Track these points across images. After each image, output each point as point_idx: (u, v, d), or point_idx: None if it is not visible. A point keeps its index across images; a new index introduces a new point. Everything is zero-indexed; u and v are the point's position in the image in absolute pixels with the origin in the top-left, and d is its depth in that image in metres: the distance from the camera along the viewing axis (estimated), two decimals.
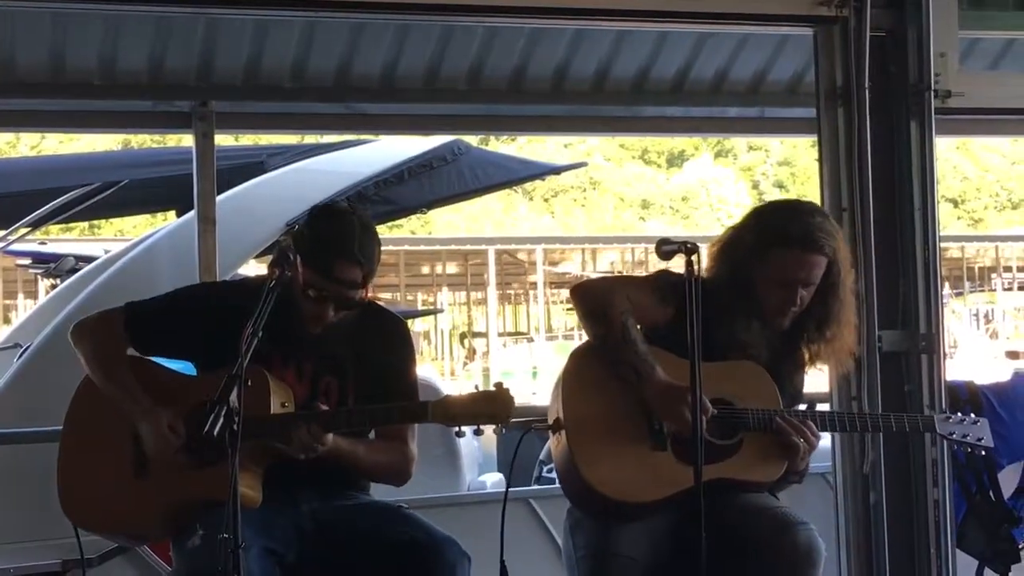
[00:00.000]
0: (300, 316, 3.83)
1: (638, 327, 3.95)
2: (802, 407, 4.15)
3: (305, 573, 3.75)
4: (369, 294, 3.92)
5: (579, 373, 4.03)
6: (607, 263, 32.50)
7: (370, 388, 3.90)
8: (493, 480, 7.76)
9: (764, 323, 4.07)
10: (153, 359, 4.02)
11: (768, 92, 6.39)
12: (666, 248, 3.63)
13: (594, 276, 15.26)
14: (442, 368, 33.04)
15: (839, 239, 4.10)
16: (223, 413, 3.10)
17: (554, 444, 4.05)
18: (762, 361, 4.07)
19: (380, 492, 4.11)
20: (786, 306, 4.04)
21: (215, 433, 3.09)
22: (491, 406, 3.60)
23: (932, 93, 5.12)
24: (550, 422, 3.97)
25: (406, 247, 30.08)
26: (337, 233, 3.78)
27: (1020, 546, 5.31)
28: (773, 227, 4.05)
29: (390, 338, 4.06)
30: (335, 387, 3.91)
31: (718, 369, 3.88)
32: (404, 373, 4.03)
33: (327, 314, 3.81)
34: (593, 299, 4.05)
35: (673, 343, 3.86)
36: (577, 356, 4.10)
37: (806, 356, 4.20)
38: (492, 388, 3.64)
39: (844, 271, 4.11)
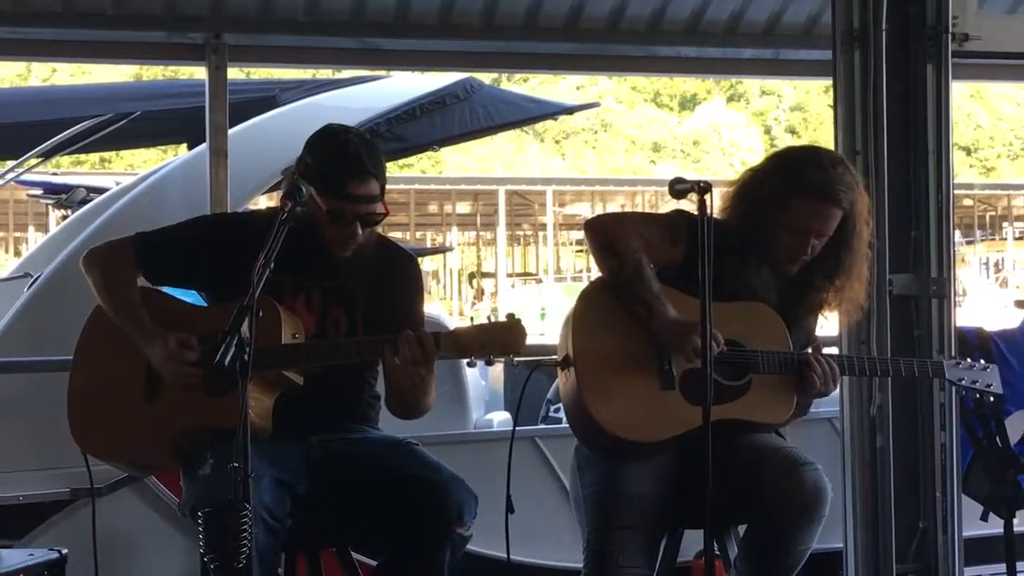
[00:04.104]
0: (324, 244, 3.84)
1: (651, 265, 3.95)
2: (808, 350, 4.15)
3: (315, 504, 3.77)
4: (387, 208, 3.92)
5: (590, 310, 4.02)
6: (617, 206, 32.45)
7: (378, 321, 3.91)
8: (499, 418, 7.78)
9: (774, 268, 4.07)
10: (163, 290, 4.04)
11: (784, 34, 6.33)
12: (679, 187, 3.62)
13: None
14: (450, 307, 33.12)
15: (858, 191, 4.07)
16: (234, 343, 3.11)
17: (562, 381, 4.06)
18: (771, 305, 4.07)
19: (387, 428, 4.12)
20: (796, 254, 4.03)
21: (226, 363, 3.10)
22: (503, 336, 3.60)
23: (949, 36, 5.10)
24: (559, 359, 3.98)
25: (416, 186, 30.11)
26: (342, 153, 3.78)
27: None
28: (794, 174, 4.02)
29: (401, 275, 4.07)
30: (344, 319, 3.93)
31: (729, 309, 3.87)
32: (412, 309, 4.04)
33: (355, 235, 3.82)
34: (607, 233, 4.04)
35: (685, 283, 3.87)
36: (588, 293, 4.10)
37: (816, 302, 4.20)
38: (504, 319, 3.65)
39: (859, 224, 4.08)
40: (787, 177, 4.03)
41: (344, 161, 3.78)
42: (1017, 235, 37.28)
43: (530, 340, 3.79)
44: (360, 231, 3.83)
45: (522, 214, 34.74)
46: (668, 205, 4.01)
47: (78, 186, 8.38)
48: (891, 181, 5.07)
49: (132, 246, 3.96)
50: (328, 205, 3.75)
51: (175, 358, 3.73)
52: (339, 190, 3.76)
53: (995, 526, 5.33)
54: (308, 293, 3.91)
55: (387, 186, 3.91)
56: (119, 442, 3.85)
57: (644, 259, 3.94)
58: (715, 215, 3.68)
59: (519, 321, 3.64)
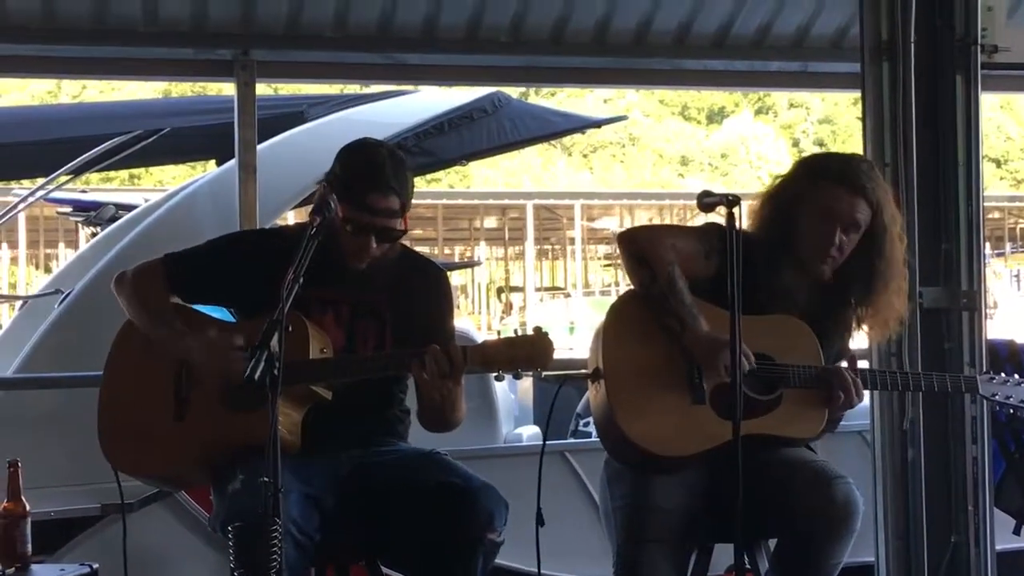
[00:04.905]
0: (342, 254, 3.85)
1: (684, 278, 3.94)
2: (843, 364, 4.13)
3: (344, 518, 3.78)
4: (408, 226, 3.93)
5: (620, 323, 4.02)
6: (645, 219, 32.35)
7: (407, 334, 3.91)
8: (529, 433, 7.78)
9: (805, 274, 4.05)
10: (194, 307, 4.05)
11: (812, 46, 6.32)
12: (707, 200, 3.62)
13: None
14: (479, 322, 33.08)
15: (886, 193, 4.09)
16: (264, 358, 3.12)
17: (592, 394, 4.05)
18: (806, 319, 4.05)
19: (417, 442, 4.12)
20: (825, 245, 4.02)
21: (256, 378, 3.11)
22: (530, 350, 3.60)
23: (979, 47, 5.07)
24: (589, 372, 3.98)
25: (444, 201, 30.11)
26: (368, 165, 3.82)
27: None
28: (821, 165, 4.12)
29: (430, 286, 4.08)
30: (373, 332, 3.94)
31: (760, 323, 3.87)
32: (442, 322, 4.05)
33: (370, 248, 3.83)
34: (640, 245, 4.03)
35: (717, 296, 3.84)
36: (618, 306, 4.11)
37: (853, 320, 4.18)
38: (531, 333, 3.65)
39: (890, 230, 4.08)
40: (815, 168, 4.13)
41: (368, 172, 3.81)
42: None
43: (559, 355, 3.79)
44: (375, 245, 3.84)
45: (550, 228, 34.70)
46: (697, 219, 4.01)
47: (107, 203, 8.40)
48: (920, 193, 5.04)
49: (163, 266, 3.99)
50: (345, 213, 3.76)
51: (220, 344, 3.75)
52: (358, 199, 3.78)
53: None
54: (337, 308, 3.92)
55: (415, 201, 3.92)
56: (149, 458, 3.87)
57: (677, 271, 3.93)
58: (745, 229, 3.67)
59: (546, 334, 3.64)
